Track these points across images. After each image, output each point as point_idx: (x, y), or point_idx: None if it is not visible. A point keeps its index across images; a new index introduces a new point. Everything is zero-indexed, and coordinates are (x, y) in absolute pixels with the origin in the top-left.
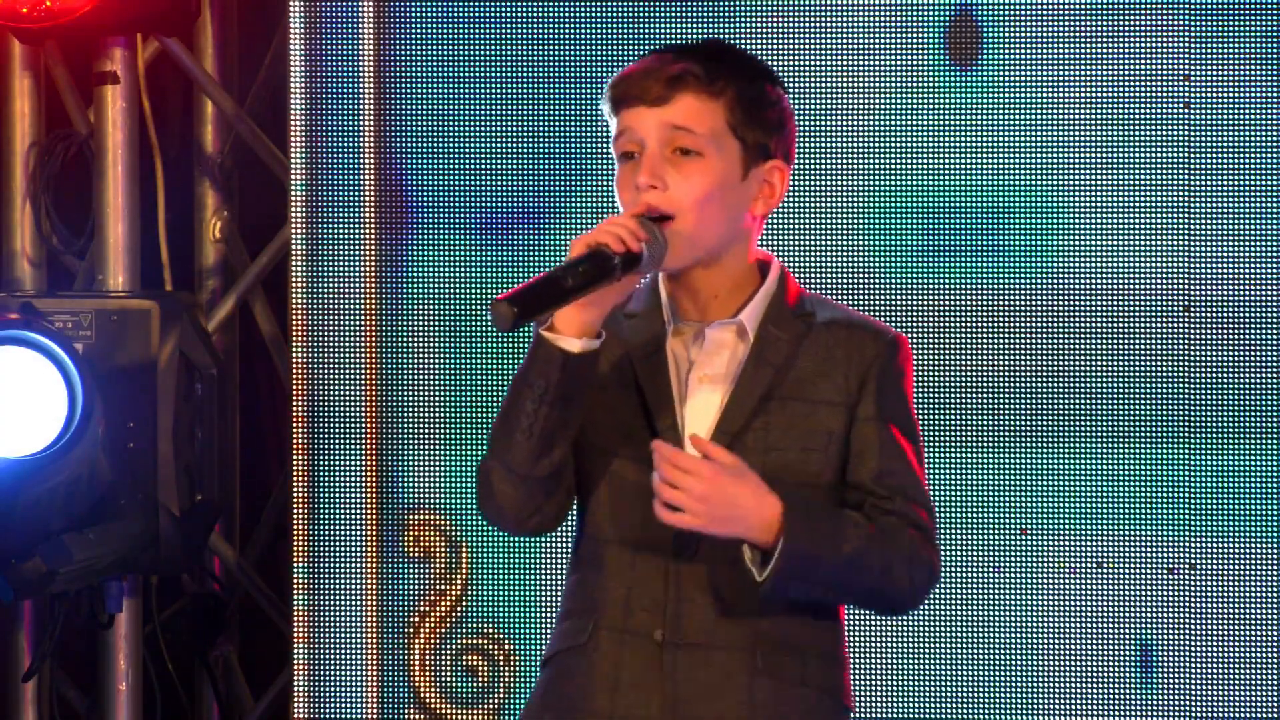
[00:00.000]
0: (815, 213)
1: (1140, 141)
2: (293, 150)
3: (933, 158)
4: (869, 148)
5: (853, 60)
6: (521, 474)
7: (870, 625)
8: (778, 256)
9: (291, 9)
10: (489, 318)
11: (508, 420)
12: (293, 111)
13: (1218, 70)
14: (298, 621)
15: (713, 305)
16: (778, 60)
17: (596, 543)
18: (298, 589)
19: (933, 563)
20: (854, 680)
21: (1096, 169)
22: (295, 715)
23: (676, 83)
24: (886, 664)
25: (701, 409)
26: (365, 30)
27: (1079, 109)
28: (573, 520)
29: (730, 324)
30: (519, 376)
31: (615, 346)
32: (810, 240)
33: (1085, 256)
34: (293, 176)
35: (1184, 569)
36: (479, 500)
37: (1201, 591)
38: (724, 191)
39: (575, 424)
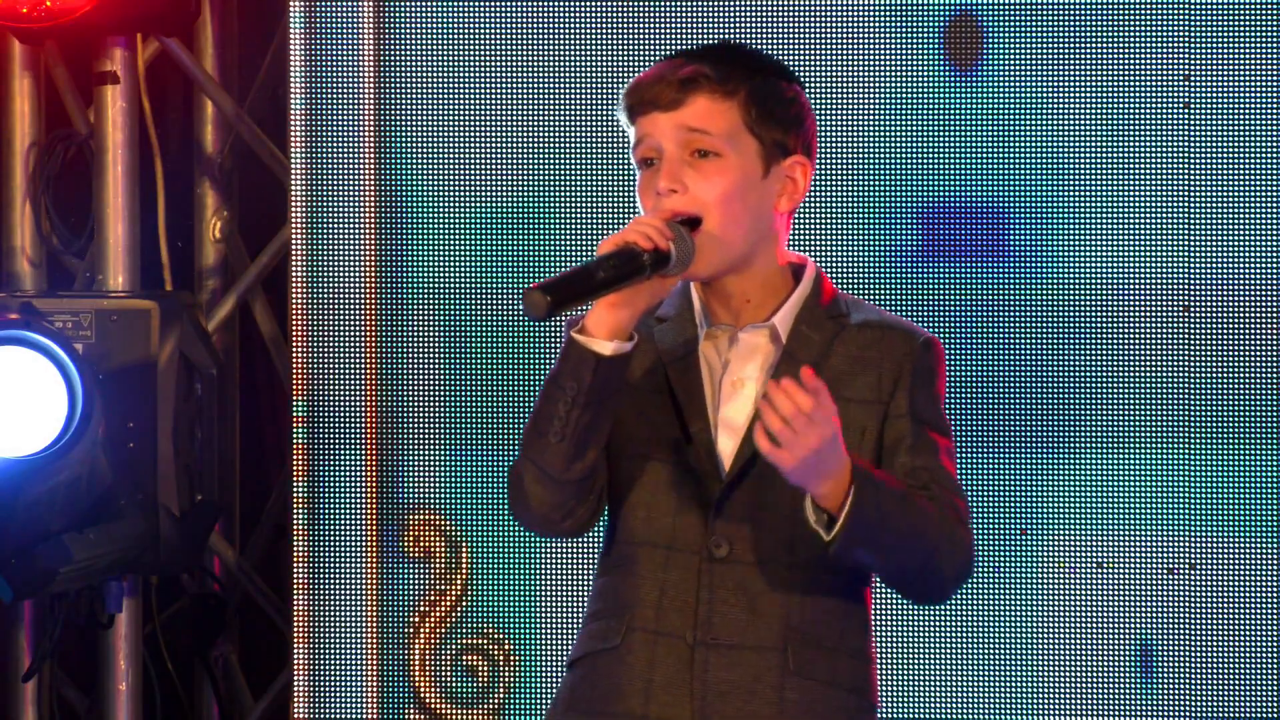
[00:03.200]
0: (815, 213)
1: (1140, 141)
2: (293, 150)
3: (933, 158)
4: (869, 148)
5: (853, 60)
6: (555, 477)
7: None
8: (814, 261)
9: (291, 9)
10: (521, 307)
11: (539, 423)
12: (293, 111)
13: (1218, 70)
14: (298, 621)
15: (745, 309)
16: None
17: (628, 545)
18: (298, 589)
19: (970, 552)
20: (879, 688)
21: (1096, 169)
22: (295, 715)
23: (689, 85)
24: (887, 664)
25: (735, 412)
26: (365, 30)
27: (1079, 109)
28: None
29: (763, 327)
30: (550, 379)
31: (647, 350)
32: (810, 240)
33: (1085, 256)
34: (293, 176)
35: (1184, 569)
36: (510, 503)
37: (1201, 591)
38: (746, 189)
39: (608, 426)
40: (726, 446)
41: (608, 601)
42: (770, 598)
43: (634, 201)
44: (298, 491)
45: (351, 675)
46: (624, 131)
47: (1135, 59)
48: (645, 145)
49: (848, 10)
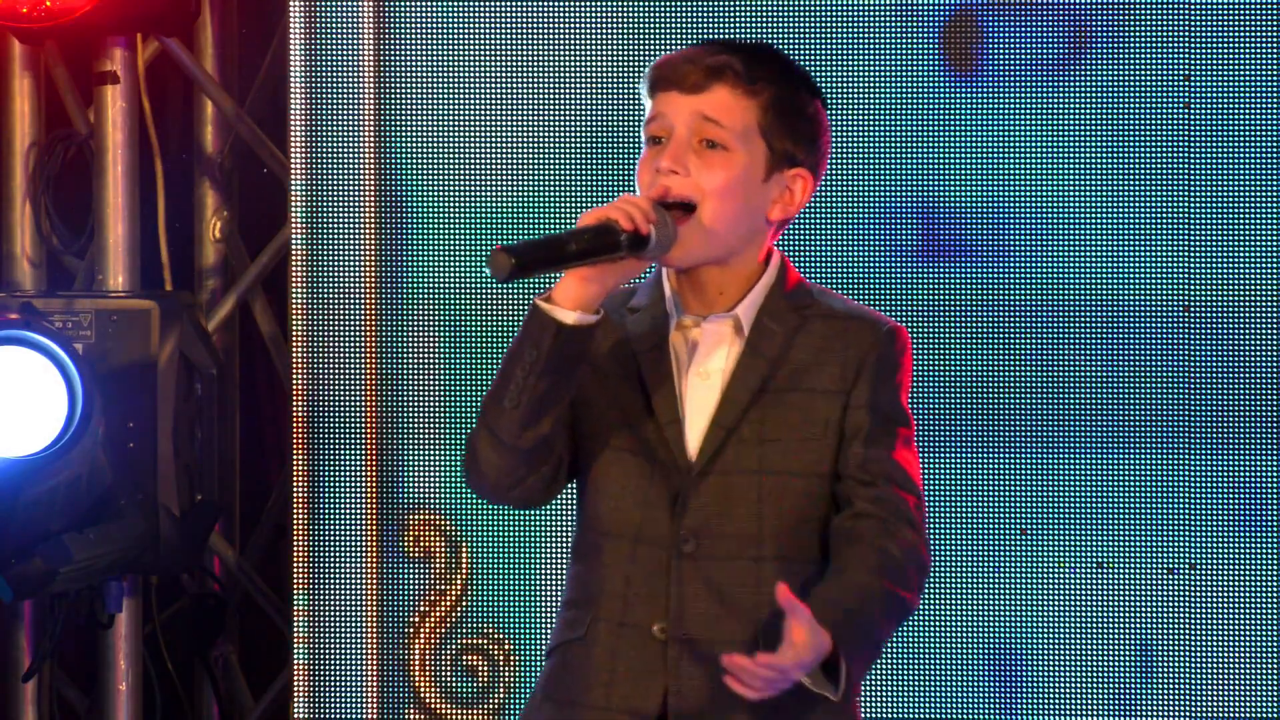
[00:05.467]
0: (815, 213)
1: (1140, 141)
2: (293, 150)
3: (933, 158)
4: (869, 148)
5: (853, 60)
6: (507, 443)
7: None
8: (779, 248)
9: (291, 9)
10: (486, 270)
11: (497, 388)
12: (293, 111)
13: (1218, 70)
14: (298, 621)
15: (718, 301)
16: None
17: (595, 534)
18: (298, 589)
19: (922, 557)
20: None
21: (1096, 169)
22: (295, 715)
23: (714, 74)
24: (886, 664)
25: (700, 403)
26: (365, 30)
27: (1079, 109)
28: (569, 509)
29: (726, 318)
30: (512, 347)
31: (620, 339)
32: (810, 240)
33: (1085, 256)
34: (293, 176)
35: (1184, 569)
36: (464, 466)
37: (1201, 591)
38: (744, 188)
39: (565, 398)
40: (693, 438)
41: (577, 591)
42: (740, 591)
43: None
44: (298, 491)
45: (351, 675)
46: (623, 131)
47: (1135, 59)
48: (658, 124)
49: (847, 10)
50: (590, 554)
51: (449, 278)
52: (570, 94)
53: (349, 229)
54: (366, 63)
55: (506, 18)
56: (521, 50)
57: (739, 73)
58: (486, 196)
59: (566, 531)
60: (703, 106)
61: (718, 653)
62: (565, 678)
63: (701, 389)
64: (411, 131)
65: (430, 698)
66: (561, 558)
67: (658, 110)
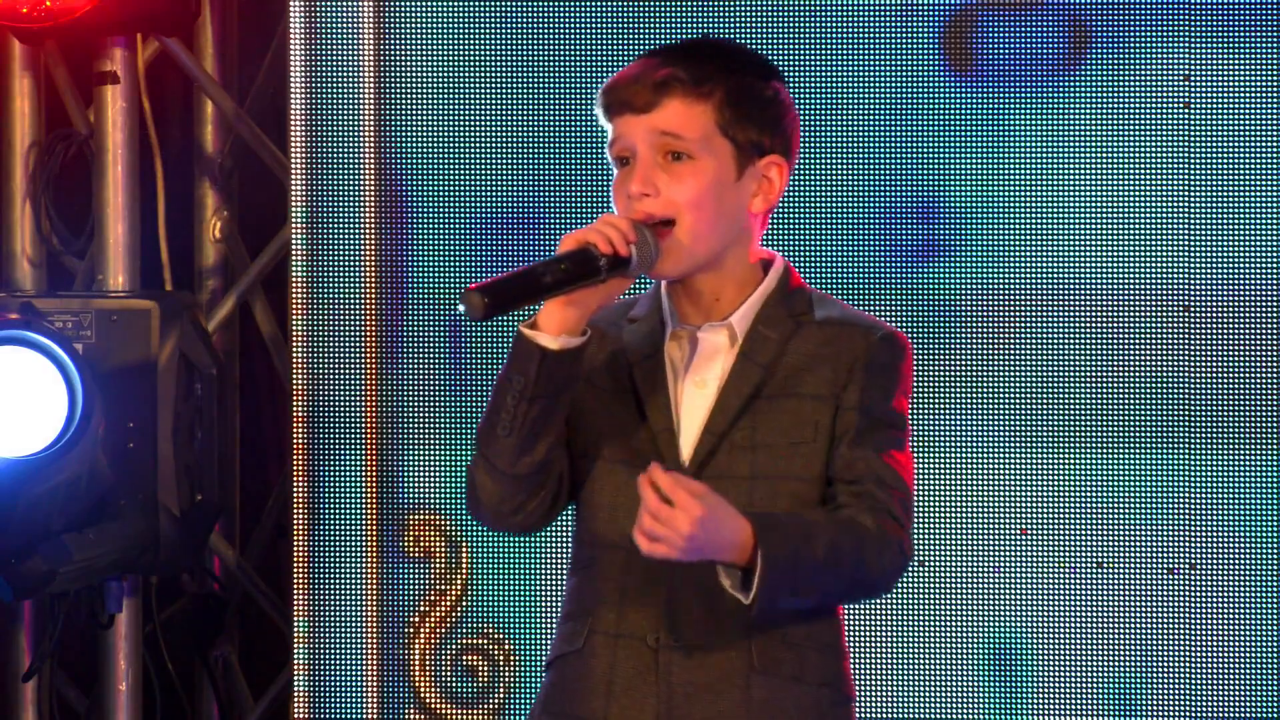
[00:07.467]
0: (815, 213)
1: (1140, 141)
2: (293, 150)
3: (933, 158)
4: (869, 148)
5: (853, 60)
6: (504, 471)
7: (870, 625)
8: (781, 254)
9: (291, 9)
10: (460, 309)
11: (490, 417)
12: (293, 111)
13: (1218, 70)
14: (298, 621)
15: (715, 308)
16: (777, 61)
17: (591, 546)
18: (298, 589)
19: (901, 542)
20: (854, 680)
21: (1096, 169)
22: (295, 715)
23: (663, 88)
24: (886, 664)
25: (695, 411)
26: (365, 30)
27: (1079, 109)
28: (570, 509)
29: (721, 326)
30: (501, 374)
31: (615, 350)
32: (810, 240)
33: (1085, 256)
34: (293, 176)
35: (1184, 569)
36: (466, 497)
37: (1201, 591)
38: (719, 192)
39: (558, 421)
40: (686, 445)
41: (574, 603)
42: (731, 597)
43: None
44: (298, 491)
45: (351, 675)
46: None
47: (1135, 59)
48: (620, 145)
49: (847, 10)
50: (587, 567)
51: (449, 278)
52: (570, 94)
53: (349, 229)
54: (366, 63)
55: (506, 18)
56: (521, 50)
57: (685, 81)
58: (486, 196)
59: (566, 531)
60: (658, 123)
61: (710, 661)
62: (564, 691)
63: (698, 397)
64: (411, 131)
65: (430, 698)
66: (561, 558)
67: (617, 133)
